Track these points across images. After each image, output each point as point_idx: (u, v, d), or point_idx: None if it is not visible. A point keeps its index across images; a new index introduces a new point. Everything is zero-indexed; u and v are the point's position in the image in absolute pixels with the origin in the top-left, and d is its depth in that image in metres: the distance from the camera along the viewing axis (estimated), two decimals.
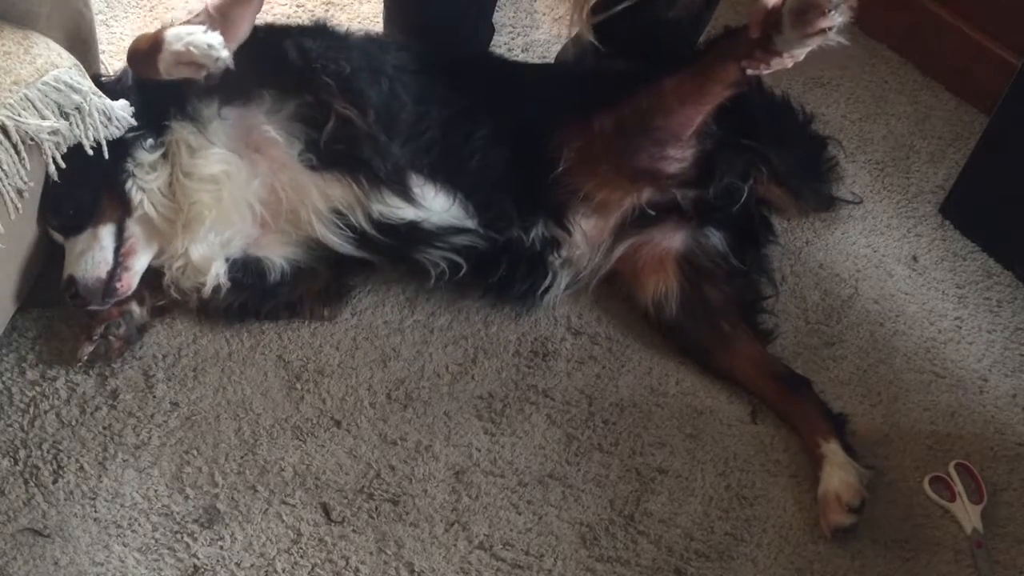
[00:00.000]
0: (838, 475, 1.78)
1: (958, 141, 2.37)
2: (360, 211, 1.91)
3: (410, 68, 1.94)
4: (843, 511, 1.75)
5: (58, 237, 1.91)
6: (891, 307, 2.09)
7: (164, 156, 1.89)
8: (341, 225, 1.92)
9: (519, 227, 1.96)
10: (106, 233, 1.89)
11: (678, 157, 1.95)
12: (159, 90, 1.85)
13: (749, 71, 1.80)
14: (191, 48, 1.74)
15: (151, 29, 2.47)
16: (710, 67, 1.85)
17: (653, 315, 2.00)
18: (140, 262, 1.93)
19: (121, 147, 1.83)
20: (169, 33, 1.76)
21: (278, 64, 1.86)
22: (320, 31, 1.98)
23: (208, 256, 1.93)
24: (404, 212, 1.91)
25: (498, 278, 1.99)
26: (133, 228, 1.91)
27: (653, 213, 1.99)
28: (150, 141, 1.88)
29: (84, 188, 1.86)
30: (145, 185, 1.89)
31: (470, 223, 1.94)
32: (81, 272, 1.87)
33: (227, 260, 1.95)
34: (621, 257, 2.03)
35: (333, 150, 1.88)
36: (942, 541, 1.77)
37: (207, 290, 1.94)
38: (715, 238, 2.02)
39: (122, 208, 1.89)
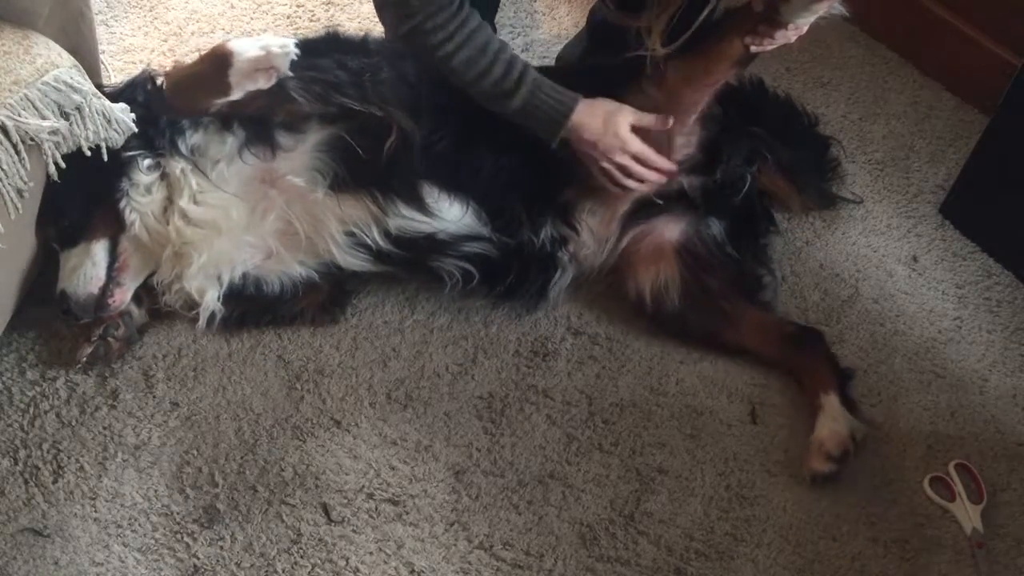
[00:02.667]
0: (828, 425, 1.82)
1: (958, 141, 2.37)
2: (377, 228, 1.91)
3: (428, 76, 1.93)
4: (823, 459, 1.79)
5: (56, 247, 1.91)
6: (891, 307, 2.09)
7: (162, 178, 1.89)
8: (358, 245, 1.93)
9: (529, 229, 1.96)
10: (100, 248, 1.89)
11: (682, 144, 1.95)
12: (164, 114, 1.87)
13: (753, 48, 1.80)
14: (271, 49, 1.77)
15: (151, 29, 2.49)
16: (714, 46, 1.84)
17: (651, 306, 2.01)
18: (133, 279, 1.94)
19: (119, 165, 1.84)
20: (234, 45, 1.78)
21: (328, 86, 1.86)
22: (340, 41, 1.97)
23: (202, 287, 1.93)
24: (421, 224, 1.92)
25: (508, 283, 2.00)
26: (126, 245, 1.91)
27: (660, 202, 2.00)
28: (148, 162, 1.87)
29: (80, 202, 1.86)
30: (139, 207, 1.89)
31: (483, 230, 1.95)
32: (73, 288, 1.88)
33: (223, 286, 1.95)
34: (623, 249, 2.03)
35: (365, 167, 1.87)
36: (942, 541, 1.77)
37: (202, 322, 1.94)
38: (715, 228, 2.03)
39: (116, 224, 1.89)
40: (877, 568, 1.74)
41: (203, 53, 1.86)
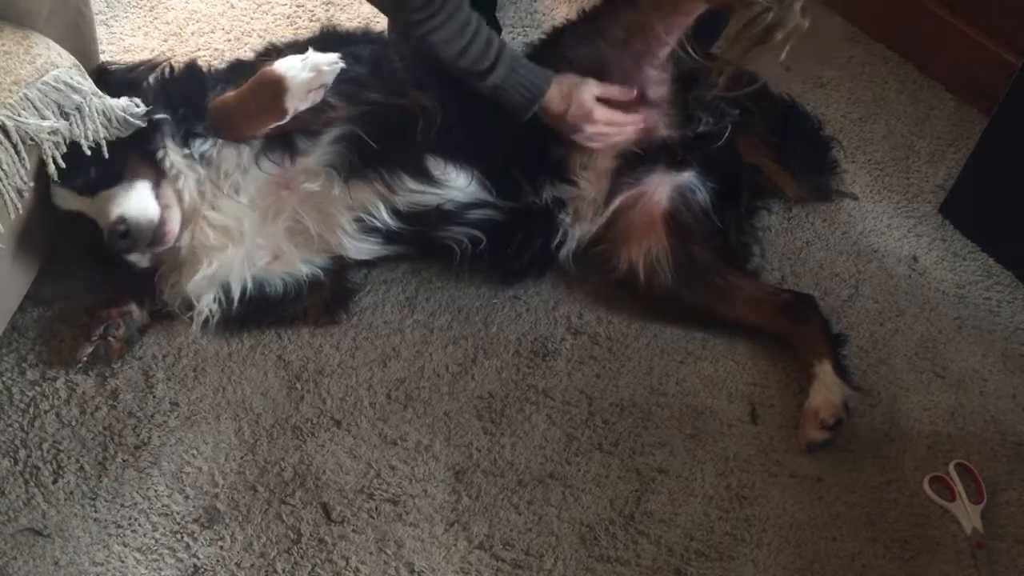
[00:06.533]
0: (822, 393, 1.86)
1: (958, 141, 2.37)
2: (385, 207, 1.93)
3: (423, 59, 1.95)
4: (818, 427, 1.83)
5: (66, 200, 1.82)
6: (891, 307, 2.09)
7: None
8: (367, 230, 1.95)
9: (531, 192, 1.99)
10: (144, 186, 1.83)
11: (654, 78, 1.97)
12: (181, 105, 1.87)
13: None
14: (322, 67, 1.77)
15: (151, 29, 2.49)
16: None
17: (644, 283, 2.01)
18: (178, 219, 1.87)
19: (151, 125, 1.81)
20: (284, 70, 1.77)
21: (355, 84, 1.87)
22: (342, 35, 2.00)
23: (199, 292, 1.93)
24: (429, 196, 1.94)
25: (517, 244, 2.02)
26: (167, 189, 1.85)
27: (640, 152, 2.01)
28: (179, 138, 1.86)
29: (110, 151, 1.77)
30: (175, 156, 1.85)
31: (488, 196, 1.97)
32: (134, 212, 1.78)
33: (229, 293, 1.94)
34: (614, 219, 2.04)
35: (373, 151, 1.89)
36: (942, 541, 1.77)
37: (197, 324, 1.94)
38: (700, 195, 2.03)
39: (155, 171, 1.85)
40: (877, 568, 1.74)
41: (249, 84, 1.81)
